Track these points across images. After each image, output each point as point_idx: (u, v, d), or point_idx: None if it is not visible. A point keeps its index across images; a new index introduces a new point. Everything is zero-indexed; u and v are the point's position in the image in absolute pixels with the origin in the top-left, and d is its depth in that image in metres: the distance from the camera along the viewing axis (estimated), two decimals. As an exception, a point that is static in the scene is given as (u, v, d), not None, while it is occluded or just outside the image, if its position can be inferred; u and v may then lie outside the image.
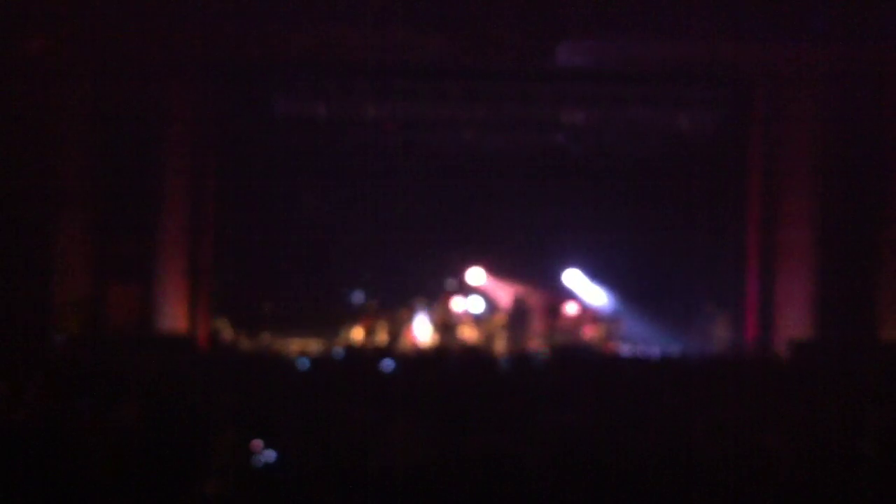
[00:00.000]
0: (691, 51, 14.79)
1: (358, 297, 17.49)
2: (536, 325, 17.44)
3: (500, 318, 17.13)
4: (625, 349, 16.35)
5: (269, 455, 5.21)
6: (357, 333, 16.82)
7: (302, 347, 15.32)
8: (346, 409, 6.38)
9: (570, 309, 17.63)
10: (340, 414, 6.23)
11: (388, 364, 10.24)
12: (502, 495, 4.11)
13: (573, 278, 17.93)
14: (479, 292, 17.76)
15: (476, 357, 13.95)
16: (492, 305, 17.60)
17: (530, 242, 17.72)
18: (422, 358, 14.13)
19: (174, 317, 15.31)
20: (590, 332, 17.20)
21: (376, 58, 15.10)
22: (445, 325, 16.94)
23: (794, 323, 15.01)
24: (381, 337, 16.70)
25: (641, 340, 16.68)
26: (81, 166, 14.35)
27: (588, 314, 17.56)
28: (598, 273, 17.84)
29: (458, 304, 17.30)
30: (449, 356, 14.38)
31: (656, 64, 15.55)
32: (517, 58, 14.77)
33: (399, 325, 16.93)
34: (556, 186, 17.45)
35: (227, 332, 16.24)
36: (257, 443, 5.24)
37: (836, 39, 14.06)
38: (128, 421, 4.26)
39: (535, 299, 17.68)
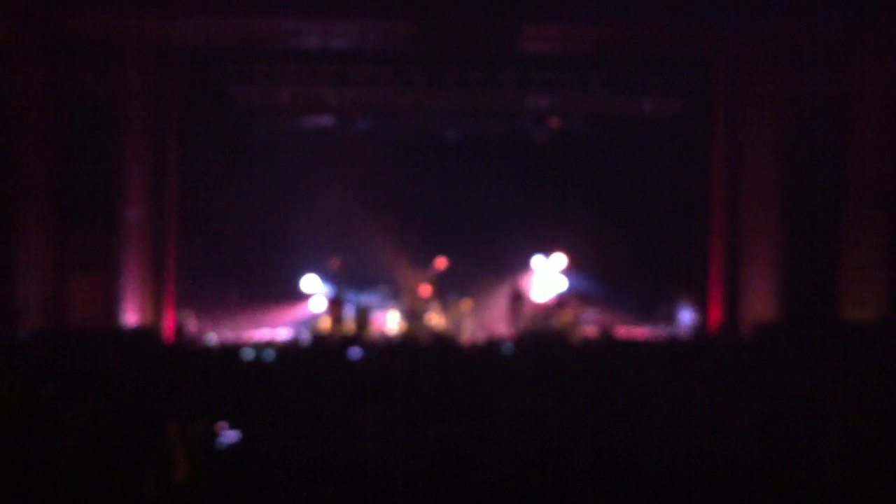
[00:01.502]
0: (653, 34, 14.83)
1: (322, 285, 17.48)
2: (503, 312, 17.48)
3: (467, 306, 17.15)
4: (592, 333, 16.39)
5: (232, 435, 5.18)
6: (324, 322, 16.80)
7: (268, 337, 15.29)
8: (313, 399, 6.35)
9: (536, 295, 17.67)
10: (306, 403, 6.20)
11: (354, 352, 10.20)
12: (465, 485, 4.11)
13: (540, 264, 17.96)
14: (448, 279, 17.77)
15: (444, 345, 13.95)
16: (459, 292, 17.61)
17: (496, 228, 17.73)
18: (389, 346, 14.11)
19: (139, 309, 15.24)
20: (558, 318, 17.24)
21: (338, 45, 15.07)
22: (413, 312, 16.94)
23: (758, 304, 15.11)
24: (349, 325, 16.67)
25: (608, 324, 16.73)
26: (42, 158, 14.21)
27: (556, 299, 17.60)
28: (564, 258, 17.88)
29: (425, 291, 17.30)
30: (417, 344, 14.38)
31: (619, 48, 15.59)
32: (479, 44, 14.78)
33: (366, 314, 16.92)
34: (521, 172, 17.50)
35: (192, 323, 16.17)
36: (221, 424, 5.21)
37: (797, 19, 14.13)
38: (89, 412, 4.23)
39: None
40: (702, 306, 16.17)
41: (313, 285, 17.52)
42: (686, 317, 16.43)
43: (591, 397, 6.70)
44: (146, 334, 14.26)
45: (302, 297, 17.65)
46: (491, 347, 12.22)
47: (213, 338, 15.37)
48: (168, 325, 15.62)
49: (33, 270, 13.98)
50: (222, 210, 16.85)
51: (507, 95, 16.43)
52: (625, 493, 4.73)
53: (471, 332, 16.53)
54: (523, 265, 17.94)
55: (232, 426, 5.35)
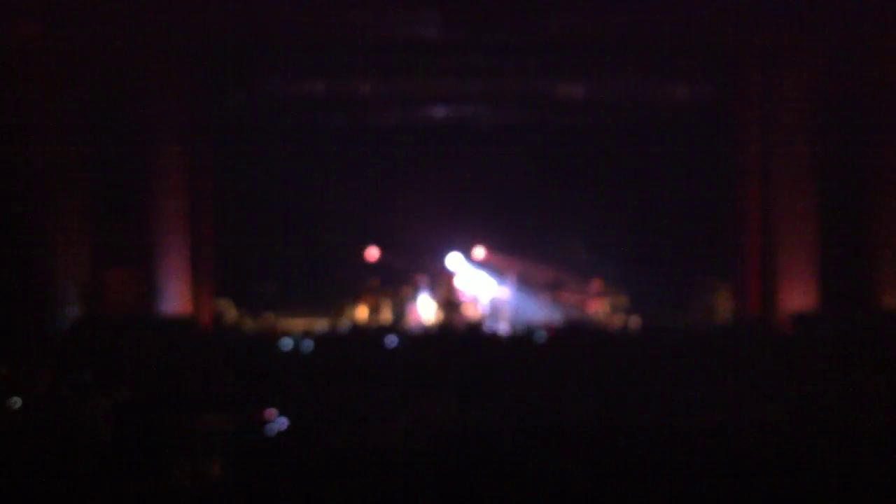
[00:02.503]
0: (685, 22, 14.71)
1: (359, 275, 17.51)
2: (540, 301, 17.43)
3: (502, 295, 17.12)
4: (628, 323, 16.32)
5: (282, 423, 5.17)
6: (361, 312, 16.83)
7: (306, 327, 15.33)
8: (349, 387, 6.38)
9: (573, 283, 17.60)
10: (342, 391, 6.23)
11: (391, 340, 10.24)
12: (494, 472, 4.13)
13: (574, 252, 17.89)
14: (482, 268, 17.75)
15: (479, 334, 13.96)
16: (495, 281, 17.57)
17: (531, 216, 17.67)
18: (425, 335, 14.14)
19: (176, 298, 15.30)
20: (594, 307, 17.18)
21: (369, 34, 15.06)
22: (449, 302, 16.94)
23: (795, 294, 14.96)
24: (385, 315, 16.69)
25: (645, 313, 16.64)
26: (77, 149, 14.33)
27: (592, 288, 17.53)
28: (598, 247, 17.81)
29: (460, 280, 17.28)
30: (452, 333, 14.41)
31: (650, 36, 15.47)
32: (510, 31, 14.73)
33: (402, 303, 16.93)
34: (554, 160, 17.41)
35: (230, 312, 16.24)
36: (271, 411, 5.20)
37: (829, 11, 13.99)
38: (123, 401, 4.27)
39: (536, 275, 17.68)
40: (738, 296, 16.03)
41: (353, 274, 17.56)
42: (723, 307, 16.30)
43: (626, 386, 6.70)
44: (184, 324, 14.34)
45: (340, 287, 17.68)
46: (526, 337, 12.23)
47: (251, 328, 15.44)
48: (206, 315, 15.67)
49: (71, 261, 14.09)
50: (257, 200, 16.90)
51: (538, 83, 16.34)
52: (659, 479, 4.73)
53: (506, 321, 16.51)
54: (558, 254, 17.88)
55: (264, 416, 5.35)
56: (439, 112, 17.13)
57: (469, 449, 4.39)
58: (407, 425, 5.41)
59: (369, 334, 14.16)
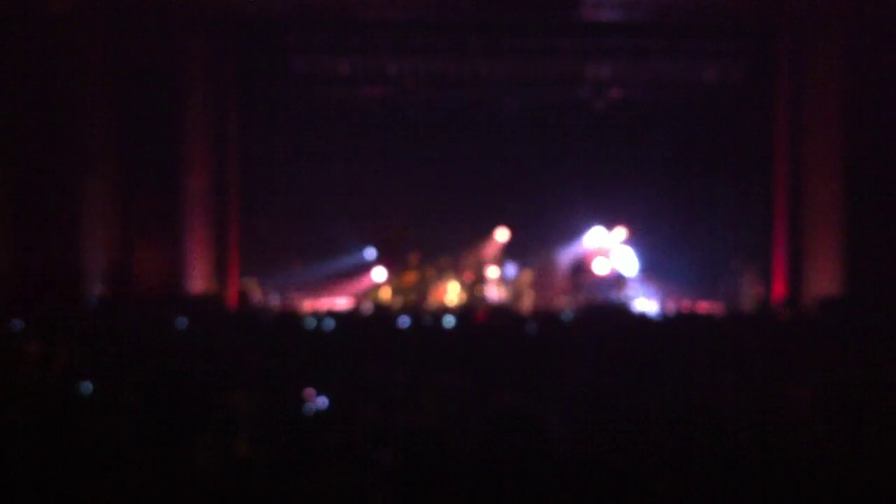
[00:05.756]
0: (716, 1, 14.61)
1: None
2: (563, 284, 17.42)
3: (526, 277, 17.11)
4: (651, 306, 16.29)
5: (322, 402, 5.12)
6: (384, 292, 16.86)
7: (330, 306, 15.38)
8: (372, 368, 6.38)
9: (597, 266, 17.58)
10: (365, 372, 6.24)
11: (403, 320, 10.25)
12: (526, 455, 4.12)
13: (599, 236, 17.85)
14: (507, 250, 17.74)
15: (503, 315, 13.94)
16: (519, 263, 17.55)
17: (556, 199, 17.62)
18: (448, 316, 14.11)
19: (202, 277, 15.38)
20: (618, 290, 17.16)
21: (398, 14, 15.02)
22: (473, 283, 16.94)
23: (822, 278, 14.87)
24: (409, 295, 16.71)
25: (668, 297, 16.61)
26: (106, 126, 14.38)
27: (616, 271, 17.50)
28: (625, 230, 17.77)
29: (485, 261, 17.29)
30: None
31: (681, 16, 15.37)
32: (539, 12, 14.66)
33: (427, 284, 16.95)
34: (581, 141, 17.34)
35: (255, 291, 16.30)
36: (309, 391, 5.17)
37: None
38: (150, 379, 4.29)
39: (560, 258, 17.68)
40: (765, 281, 15.95)
41: (374, 254, 17.60)
42: (749, 290, 16.21)
43: (652, 370, 6.67)
44: (210, 302, 14.41)
45: (364, 267, 17.73)
46: (551, 318, 12.21)
47: (275, 306, 15.49)
48: (231, 294, 15.74)
49: (99, 239, 14.17)
50: (283, 179, 16.94)
51: (567, 64, 16.26)
52: (690, 464, 4.71)
53: (530, 303, 16.50)
54: (584, 236, 17.85)
55: (294, 394, 5.35)
56: (468, 92, 17.02)
57: (499, 431, 4.38)
58: (432, 405, 5.40)
59: (391, 315, 14.17)
